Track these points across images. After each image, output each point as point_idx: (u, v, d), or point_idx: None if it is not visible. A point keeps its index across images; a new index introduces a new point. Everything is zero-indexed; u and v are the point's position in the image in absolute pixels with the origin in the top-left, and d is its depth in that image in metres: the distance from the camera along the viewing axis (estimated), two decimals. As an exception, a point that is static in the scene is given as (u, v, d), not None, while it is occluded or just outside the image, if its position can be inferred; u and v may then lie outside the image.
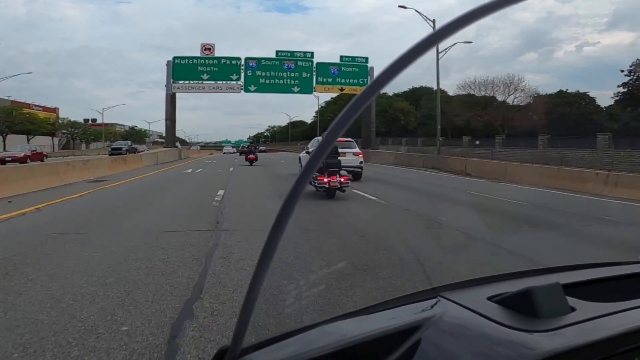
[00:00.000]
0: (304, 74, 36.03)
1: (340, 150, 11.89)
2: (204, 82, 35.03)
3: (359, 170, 14.48)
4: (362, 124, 37.17)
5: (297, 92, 36.60)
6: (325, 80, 36.35)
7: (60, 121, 64.21)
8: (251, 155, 24.11)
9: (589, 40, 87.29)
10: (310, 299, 3.01)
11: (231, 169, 21.45)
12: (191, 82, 35.25)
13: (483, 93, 46.35)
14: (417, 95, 58.47)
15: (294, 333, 0.64)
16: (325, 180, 9.40)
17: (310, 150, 14.64)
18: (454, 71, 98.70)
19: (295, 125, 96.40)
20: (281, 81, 35.75)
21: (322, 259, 4.62)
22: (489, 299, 0.69)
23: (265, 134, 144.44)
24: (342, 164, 9.89)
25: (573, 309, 0.63)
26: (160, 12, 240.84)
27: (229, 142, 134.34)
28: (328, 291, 3.40)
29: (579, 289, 0.74)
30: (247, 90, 35.44)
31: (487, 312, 0.64)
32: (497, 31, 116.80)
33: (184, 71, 34.93)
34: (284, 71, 35.62)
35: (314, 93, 37.53)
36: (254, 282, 0.49)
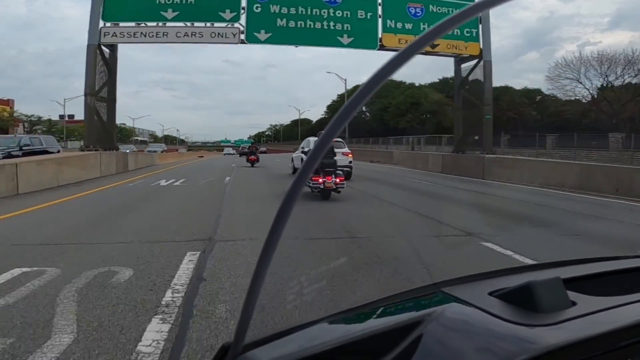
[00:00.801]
0: (361, 14, 19.04)
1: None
2: (169, 23, 18.12)
3: (349, 170, 14.39)
4: (454, 113, 23.39)
5: (349, 45, 19.12)
6: (400, 26, 19.34)
7: (6, 114, 52.91)
8: (252, 157, 24.35)
9: (591, 40, 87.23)
10: (312, 295, 3.01)
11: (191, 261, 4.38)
12: (143, 24, 18.15)
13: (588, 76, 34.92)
14: (451, 85, 50.92)
15: (296, 329, 0.64)
16: (320, 180, 9.13)
17: (305, 150, 14.38)
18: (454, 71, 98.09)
19: (301, 123, 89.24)
20: (318, 24, 18.75)
21: (323, 256, 4.62)
22: (490, 293, 0.69)
23: (267, 133, 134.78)
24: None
25: (574, 303, 0.63)
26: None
27: (228, 141, 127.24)
28: (329, 287, 3.41)
29: (580, 283, 0.74)
30: (251, 39, 18.42)
31: (488, 307, 0.64)
32: (499, 30, 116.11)
33: (128, 5, 17.97)
34: (324, 7, 18.83)
35: (380, 48, 19.15)
36: (255, 279, 0.49)
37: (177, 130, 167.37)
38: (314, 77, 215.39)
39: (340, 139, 15.85)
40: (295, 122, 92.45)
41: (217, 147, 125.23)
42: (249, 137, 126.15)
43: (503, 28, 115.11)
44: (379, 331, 0.61)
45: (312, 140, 15.45)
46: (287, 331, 0.64)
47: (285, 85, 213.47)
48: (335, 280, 3.66)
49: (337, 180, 9.22)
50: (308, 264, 4.22)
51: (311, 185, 9.19)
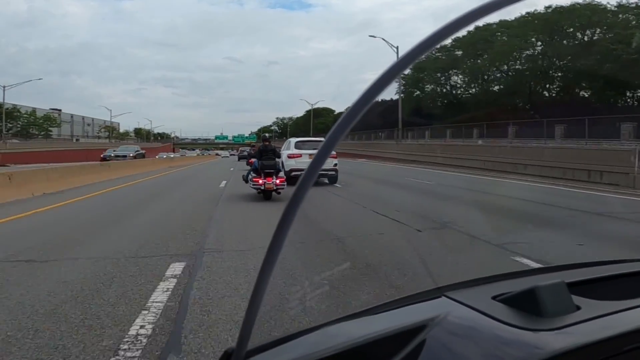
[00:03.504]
0: None
1: (311, 151, 12.20)
2: None
3: (334, 173, 13.40)
4: None
5: None
6: None
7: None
8: (252, 159, 23.61)
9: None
10: (315, 301, 3.02)
11: None
12: None
13: None
14: None
15: (299, 335, 0.64)
16: (260, 182, 9.42)
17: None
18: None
19: (318, 113, 70.10)
20: None
21: (326, 261, 4.61)
22: (494, 298, 0.69)
23: (273, 127, 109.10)
24: None
25: (578, 308, 0.63)
26: (163, 9, 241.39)
27: (225, 137, 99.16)
28: (332, 292, 3.39)
29: (584, 287, 0.74)
30: None
31: (491, 312, 0.64)
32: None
33: None
34: None
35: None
36: (258, 284, 0.49)
37: (150, 121, 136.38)
38: (315, 74, 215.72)
39: (323, 139, 14.98)
40: (313, 113, 70.86)
41: (213, 144, 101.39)
42: (252, 133, 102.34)
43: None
44: (382, 336, 0.61)
45: (293, 141, 14.63)
46: (291, 336, 0.64)
47: (287, 83, 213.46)
48: (339, 285, 3.66)
49: (278, 181, 9.48)
50: (311, 269, 4.22)
51: (252, 186, 9.72)
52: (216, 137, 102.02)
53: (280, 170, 9.99)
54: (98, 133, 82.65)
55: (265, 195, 9.66)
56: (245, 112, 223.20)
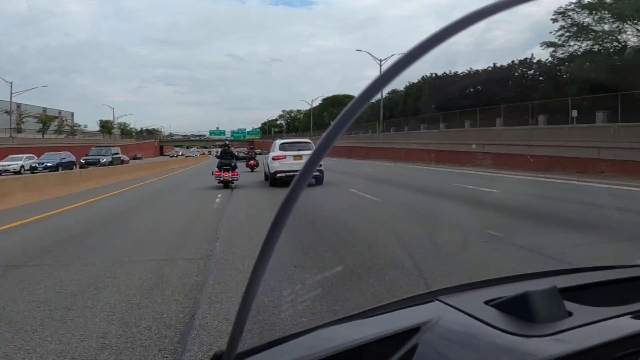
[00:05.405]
0: None
1: (296, 153, 13.60)
2: None
3: (319, 174, 13.25)
4: None
5: None
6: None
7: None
8: (252, 162, 23.56)
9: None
10: (307, 304, 3.00)
11: None
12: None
13: None
14: None
15: (290, 338, 0.64)
16: (220, 174, 13.55)
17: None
18: (460, 65, 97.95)
19: (339, 101, 59.39)
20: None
21: (318, 263, 4.60)
22: (486, 303, 0.69)
23: (279, 122, 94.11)
24: (299, 168, 10.31)
25: (570, 314, 0.63)
26: (164, 7, 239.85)
27: (222, 133, 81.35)
28: (324, 295, 3.39)
29: (576, 293, 0.74)
30: None
31: (484, 317, 0.64)
32: (509, 25, 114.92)
33: None
34: None
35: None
36: (250, 286, 0.48)
37: (112, 108, 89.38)
38: (317, 72, 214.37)
39: (308, 140, 15.69)
40: (331, 102, 59.83)
41: (208, 141, 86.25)
42: (254, 129, 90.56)
43: (512, 22, 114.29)
44: (374, 339, 0.61)
45: (278, 143, 14.93)
46: (281, 340, 0.63)
47: (289, 80, 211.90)
48: (331, 289, 3.64)
49: (232, 175, 13.64)
50: (304, 272, 4.20)
51: (214, 178, 13.71)
52: (211, 133, 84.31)
53: (236, 167, 13.80)
54: (18, 124, 49.74)
55: (225, 184, 13.49)
56: (247, 109, 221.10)
